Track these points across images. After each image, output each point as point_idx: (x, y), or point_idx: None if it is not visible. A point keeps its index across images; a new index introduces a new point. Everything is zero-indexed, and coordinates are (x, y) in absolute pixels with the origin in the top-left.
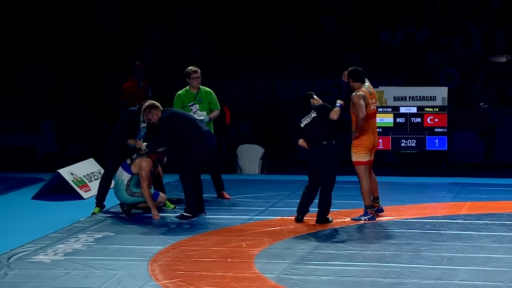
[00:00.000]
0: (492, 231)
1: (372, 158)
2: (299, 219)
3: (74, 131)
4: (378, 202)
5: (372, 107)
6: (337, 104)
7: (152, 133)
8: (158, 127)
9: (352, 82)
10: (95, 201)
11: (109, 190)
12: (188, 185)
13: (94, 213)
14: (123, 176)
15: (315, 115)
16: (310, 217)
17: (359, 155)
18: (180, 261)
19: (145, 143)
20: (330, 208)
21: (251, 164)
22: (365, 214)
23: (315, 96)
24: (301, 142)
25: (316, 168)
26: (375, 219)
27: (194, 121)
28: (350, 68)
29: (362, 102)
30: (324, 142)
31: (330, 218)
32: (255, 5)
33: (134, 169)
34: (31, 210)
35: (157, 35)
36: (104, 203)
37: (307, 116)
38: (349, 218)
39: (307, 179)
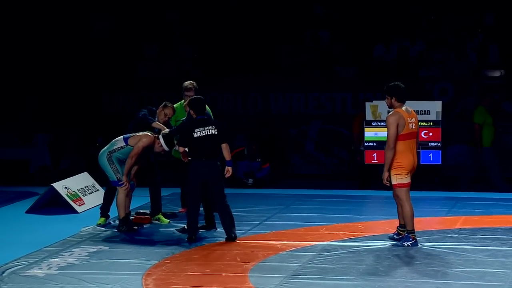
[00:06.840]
0: (487, 245)
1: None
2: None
3: (68, 144)
4: (404, 231)
5: (411, 126)
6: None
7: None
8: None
9: (389, 99)
10: (100, 211)
11: (114, 201)
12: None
13: (99, 224)
14: (117, 142)
15: (215, 132)
16: (302, 231)
17: (399, 177)
18: (174, 275)
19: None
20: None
21: None
22: (407, 239)
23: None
24: (182, 150)
25: (203, 182)
26: (417, 245)
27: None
28: (390, 84)
29: (393, 121)
30: (216, 160)
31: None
32: (248, 18)
33: (132, 140)
34: (25, 224)
35: (151, 49)
36: (109, 213)
37: (202, 128)
38: (341, 232)
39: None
